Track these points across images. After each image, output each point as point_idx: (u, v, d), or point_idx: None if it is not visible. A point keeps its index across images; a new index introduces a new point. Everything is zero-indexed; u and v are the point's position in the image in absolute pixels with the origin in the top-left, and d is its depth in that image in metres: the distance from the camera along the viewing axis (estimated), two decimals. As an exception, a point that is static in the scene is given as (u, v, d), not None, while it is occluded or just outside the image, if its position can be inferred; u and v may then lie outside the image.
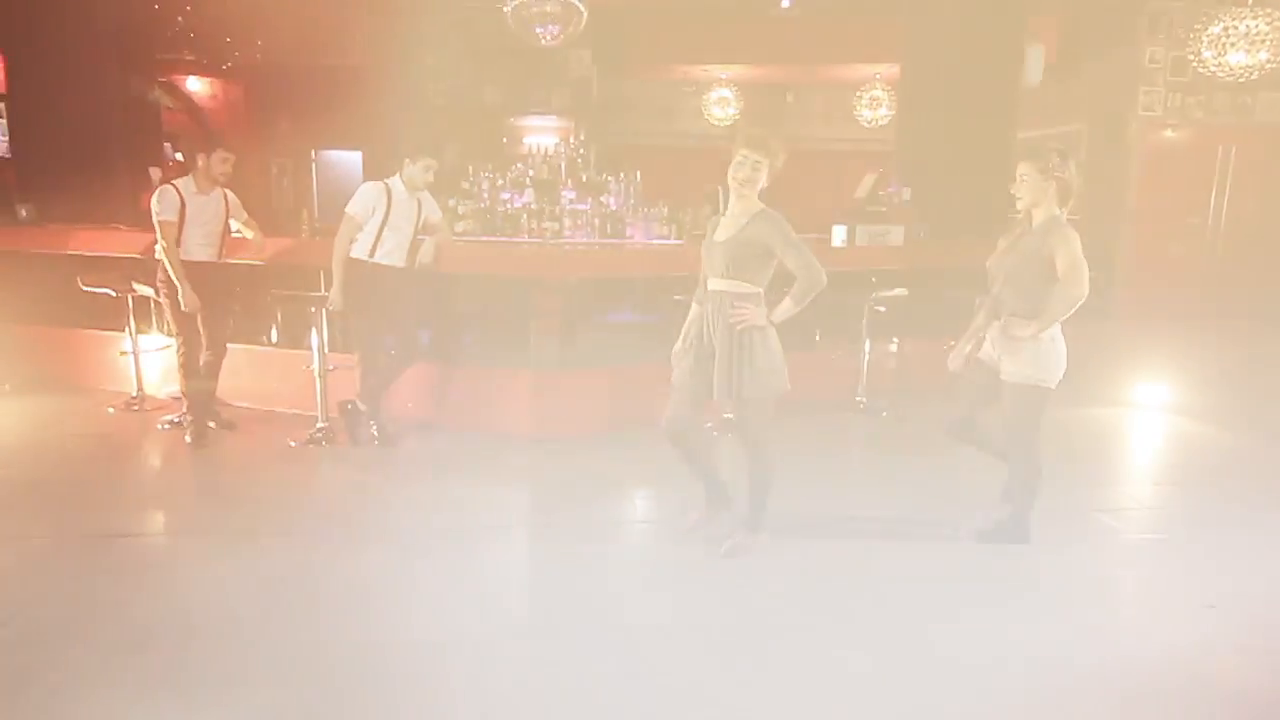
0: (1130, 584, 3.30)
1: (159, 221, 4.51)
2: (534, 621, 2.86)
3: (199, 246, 4.64)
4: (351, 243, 4.50)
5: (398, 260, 4.58)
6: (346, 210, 4.51)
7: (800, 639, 2.76)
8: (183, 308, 4.56)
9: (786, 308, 3.13)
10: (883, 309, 5.46)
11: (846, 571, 3.26)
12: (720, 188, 5.19)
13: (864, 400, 5.51)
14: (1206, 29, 6.80)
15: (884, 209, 6.39)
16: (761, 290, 3.19)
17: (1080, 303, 3.11)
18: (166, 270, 4.57)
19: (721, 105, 11.27)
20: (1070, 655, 2.68)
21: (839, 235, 5.97)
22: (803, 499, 3.96)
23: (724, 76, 11.39)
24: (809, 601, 3.03)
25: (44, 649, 2.58)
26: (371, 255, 4.51)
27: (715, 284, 3.21)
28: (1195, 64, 8.22)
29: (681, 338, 3.38)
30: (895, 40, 7.67)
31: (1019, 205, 3.27)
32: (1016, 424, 3.36)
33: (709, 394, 3.25)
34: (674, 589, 3.15)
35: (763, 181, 3.15)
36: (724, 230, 3.20)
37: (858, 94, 10.78)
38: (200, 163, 4.64)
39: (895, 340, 6.11)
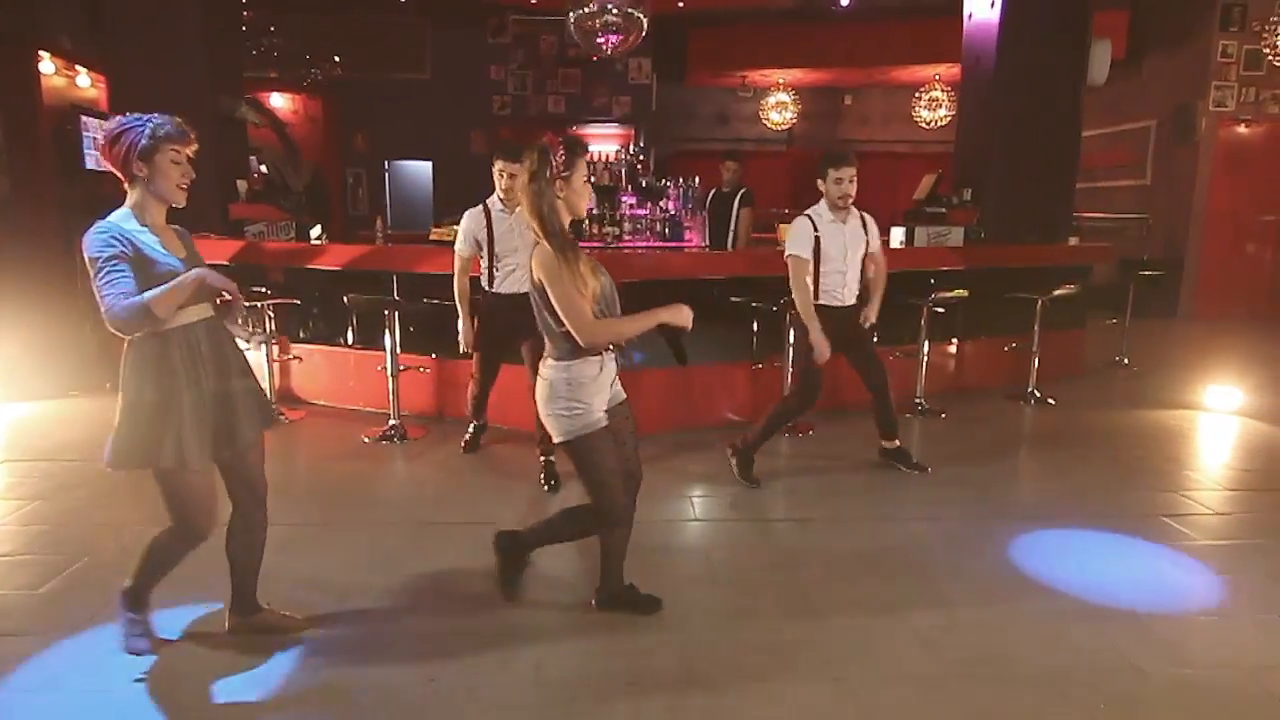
0: (1199, 592, 3.18)
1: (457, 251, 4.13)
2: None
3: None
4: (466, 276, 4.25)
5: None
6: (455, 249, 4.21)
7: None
8: (462, 347, 4.31)
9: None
10: (941, 310, 5.47)
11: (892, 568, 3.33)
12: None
13: (922, 402, 5.53)
14: (1282, 21, 6.64)
15: (943, 210, 6.39)
16: None
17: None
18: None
19: (779, 110, 11.33)
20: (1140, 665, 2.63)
21: (897, 236, 6.02)
22: (852, 502, 4.05)
23: (781, 81, 11.46)
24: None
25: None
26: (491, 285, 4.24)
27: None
28: (1270, 57, 8.02)
29: None
30: (955, 40, 7.64)
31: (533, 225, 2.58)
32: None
33: None
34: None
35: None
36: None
37: (916, 95, 10.74)
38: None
39: (954, 341, 6.10)
